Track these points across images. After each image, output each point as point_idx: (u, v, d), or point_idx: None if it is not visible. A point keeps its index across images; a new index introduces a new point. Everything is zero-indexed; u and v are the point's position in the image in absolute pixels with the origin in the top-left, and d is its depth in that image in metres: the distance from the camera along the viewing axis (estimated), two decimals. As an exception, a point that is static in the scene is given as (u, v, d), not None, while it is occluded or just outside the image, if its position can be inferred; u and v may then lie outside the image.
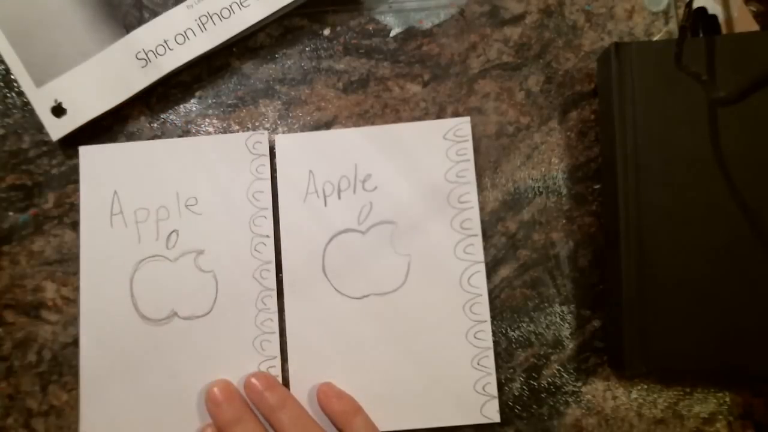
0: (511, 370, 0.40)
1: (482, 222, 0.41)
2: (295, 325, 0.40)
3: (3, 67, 0.43)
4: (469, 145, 0.41)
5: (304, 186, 0.41)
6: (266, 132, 0.42)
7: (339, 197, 0.41)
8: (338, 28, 0.43)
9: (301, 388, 0.39)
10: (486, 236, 0.41)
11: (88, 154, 0.41)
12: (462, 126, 0.41)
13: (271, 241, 0.40)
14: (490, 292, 0.40)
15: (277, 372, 0.39)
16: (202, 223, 0.41)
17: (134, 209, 0.41)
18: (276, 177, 0.41)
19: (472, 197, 0.41)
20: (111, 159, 0.41)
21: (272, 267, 0.40)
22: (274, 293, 0.40)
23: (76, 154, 0.42)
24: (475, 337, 0.39)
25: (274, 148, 0.42)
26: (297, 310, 0.40)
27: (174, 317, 0.40)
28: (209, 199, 0.41)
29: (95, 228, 0.41)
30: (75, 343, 0.40)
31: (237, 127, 0.43)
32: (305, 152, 0.41)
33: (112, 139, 0.43)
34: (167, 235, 0.41)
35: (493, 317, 0.40)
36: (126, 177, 0.41)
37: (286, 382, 0.39)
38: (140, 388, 0.39)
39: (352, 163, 0.41)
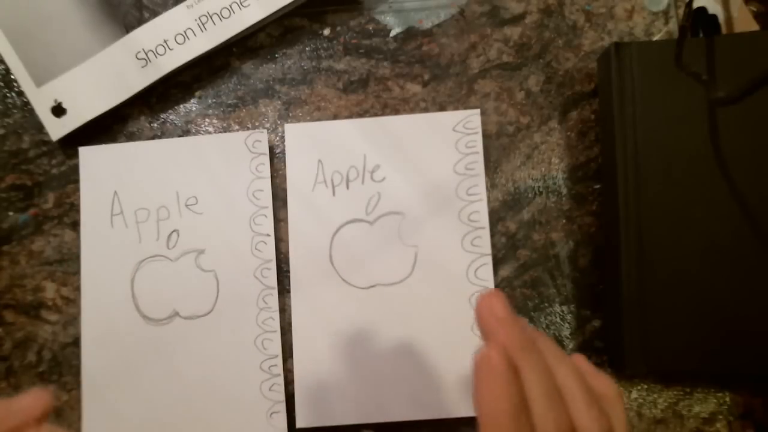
0: (512, 370, 0.40)
1: (482, 222, 0.41)
2: (301, 314, 0.40)
3: (3, 67, 0.43)
4: (479, 137, 0.41)
5: (312, 175, 0.41)
6: (265, 131, 0.42)
7: (347, 187, 0.41)
8: (338, 28, 0.43)
9: (305, 381, 0.39)
10: (486, 236, 0.41)
11: (88, 155, 0.41)
12: (471, 118, 0.41)
13: (271, 240, 0.40)
14: (491, 292, 0.40)
15: (278, 371, 0.39)
16: (202, 223, 0.41)
17: (134, 209, 0.41)
18: (275, 176, 0.41)
19: (481, 189, 0.41)
20: (111, 159, 0.41)
21: (273, 266, 0.40)
22: (275, 292, 0.40)
23: (76, 154, 0.42)
24: None
25: (274, 147, 0.42)
26: (303, 299, 0.40)
27: (175, 317, 0.40)
28: (209, 198, 0.41)
29: (96, 228, 0.41)
30: (75, 343, 0.40)
31: (237, 127, 0.43)
32: (314, 142, 0.41)
33: (112, 139, 0.43)
34: (168, 235, 0.41)
35: (493, 317, 0.40)
36: (126, 177, 0.41)
37: (289, 379, 0.39)
38: (142, 388, 0.39)
39: (361, 154, 0.41)
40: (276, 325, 0.40)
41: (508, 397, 0.21)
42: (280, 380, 0.39)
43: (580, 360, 0.27)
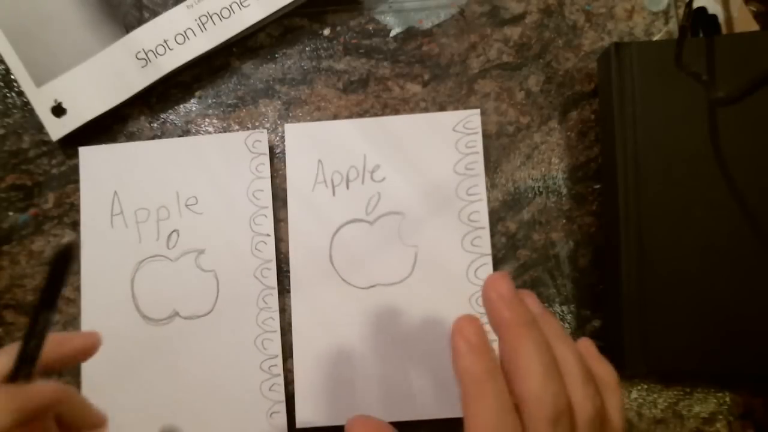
0: (512, 370, 0.40)
1: (482, 222, 0.41)
2: (301, 314, 0.40)
3: (3, 67, 0.43)
4: (479, 137, 0.41)
5: (312, 175, 0.41)
6: (265, 131, 0.42)
7: (347, 187, 0.41)
8: (338, 28, 0.43)
9: (305, 381, 0.39)
10: (486, 236, 0.41)
11: (88, 155, 0.41)
12: (471, 118, 0.41)
13: (271, 240, 0.40)
14: (491, 292, 0.40)
15: (278, 371, 0.39)
16: (202, 223, 0.41)
17: (134, 209, 0.41)
18: (275, 176, 0.42)
19: (481, 189, 0.41)
20: (111, 159, 0.41)
21: (273, 266, 0.40)
22: (275, 292, 0.40)
23: (76, 154, 0.42)
24: None
25: (274, 147, 0.42)
26: (303, 299, 0.40)
27: (175, 317, 0.40)
28: (209, 198, 0.41)
29: (96, 228, 0.41)
30: (75, 343, 0.40)
31: (237, 127, 0.43)
32: (314, 142, 0.41)
33: (112, 139, 0.43)
34: (168, 235, 0.41)
35: (493, 317, 0.40)
36: (126, 177, 0.41)
37: (289, 379, 0.39)
38: (142, 388, 0.39)
39: (361, 154, 0.41)
40: (276, 325, 0.40)
41: (482, 363, 0.23)
42: (280, 380, 0.39)
43: (587, 343, 0.27)
